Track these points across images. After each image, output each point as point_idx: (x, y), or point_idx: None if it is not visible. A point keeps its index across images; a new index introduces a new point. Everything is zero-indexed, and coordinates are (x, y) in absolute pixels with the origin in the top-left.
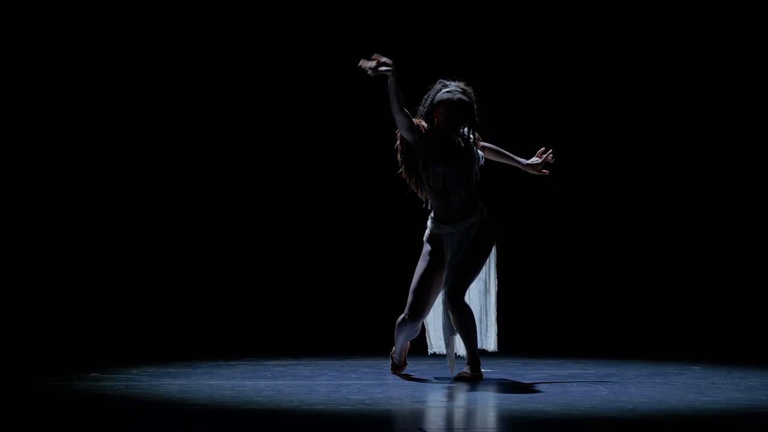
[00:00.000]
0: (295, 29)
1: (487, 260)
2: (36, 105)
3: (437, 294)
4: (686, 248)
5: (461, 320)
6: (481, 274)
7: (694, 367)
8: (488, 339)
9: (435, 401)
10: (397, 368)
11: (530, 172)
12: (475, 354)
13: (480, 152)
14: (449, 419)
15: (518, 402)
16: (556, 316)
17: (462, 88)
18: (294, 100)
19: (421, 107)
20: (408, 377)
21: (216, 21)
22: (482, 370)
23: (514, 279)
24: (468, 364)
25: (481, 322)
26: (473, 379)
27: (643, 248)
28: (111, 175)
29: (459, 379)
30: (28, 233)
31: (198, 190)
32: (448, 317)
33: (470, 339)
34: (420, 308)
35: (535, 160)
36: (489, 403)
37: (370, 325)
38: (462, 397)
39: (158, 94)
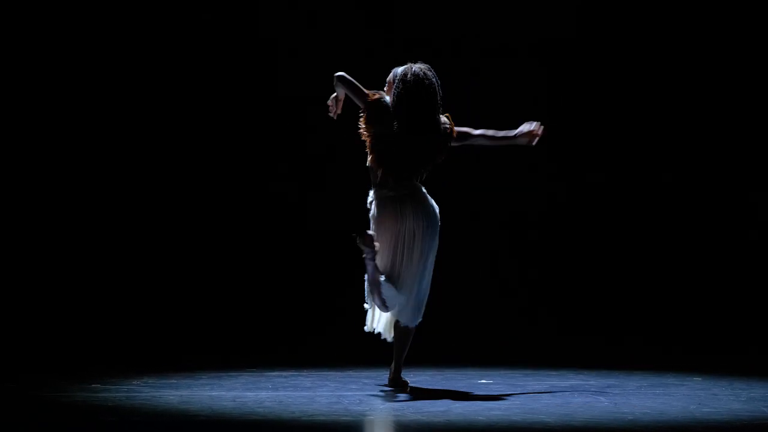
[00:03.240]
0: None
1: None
2: (42, 110)
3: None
4: (687, 257)
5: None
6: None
7: (695, 378)
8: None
9: (436, 413)
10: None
11: (520, 143)
12: (396, 361)
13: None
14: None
15: (519, 413)
16: (553, 326)
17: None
18: (294, 101)
19: None
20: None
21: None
22: (404, 378)
23: (512, 286)
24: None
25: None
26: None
27: (642, 255)
28: (110, 186)
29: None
30: (28, 243)
31: (196, 201)
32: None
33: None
34: None
35: (526, 127)
36: (490, 414)
37: (371, 336)
38: (461, 407)
39: (158, 102)
